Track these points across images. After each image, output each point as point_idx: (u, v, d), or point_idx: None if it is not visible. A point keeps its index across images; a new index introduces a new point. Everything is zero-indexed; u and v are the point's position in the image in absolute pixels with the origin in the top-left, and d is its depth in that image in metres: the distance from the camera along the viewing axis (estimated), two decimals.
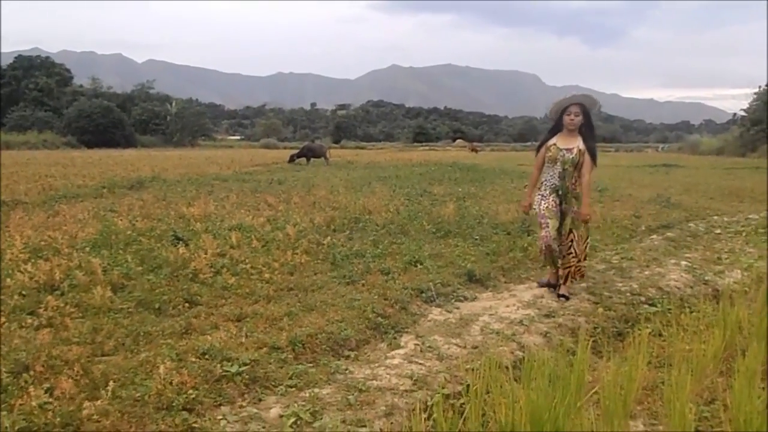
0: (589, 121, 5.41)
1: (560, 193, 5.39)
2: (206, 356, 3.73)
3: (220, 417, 3.09)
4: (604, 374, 3.29)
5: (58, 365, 3.56)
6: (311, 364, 3.82)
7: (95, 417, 2.96)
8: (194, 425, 3.00)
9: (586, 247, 5.59)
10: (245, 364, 3.61)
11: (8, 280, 5.26)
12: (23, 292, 5.01)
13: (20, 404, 3.03)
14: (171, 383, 3.28)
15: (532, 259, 6.73)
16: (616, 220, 9.81)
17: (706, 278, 6.35)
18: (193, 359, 3.68)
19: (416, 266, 6.34)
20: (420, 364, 3.89)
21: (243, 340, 4.10)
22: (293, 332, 4.19)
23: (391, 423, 3.09)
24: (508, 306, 5.24)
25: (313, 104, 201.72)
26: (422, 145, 77.60)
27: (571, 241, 5.44)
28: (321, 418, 3.08)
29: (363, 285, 5.62)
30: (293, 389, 3.45)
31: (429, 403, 3.19)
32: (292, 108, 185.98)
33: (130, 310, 4.74)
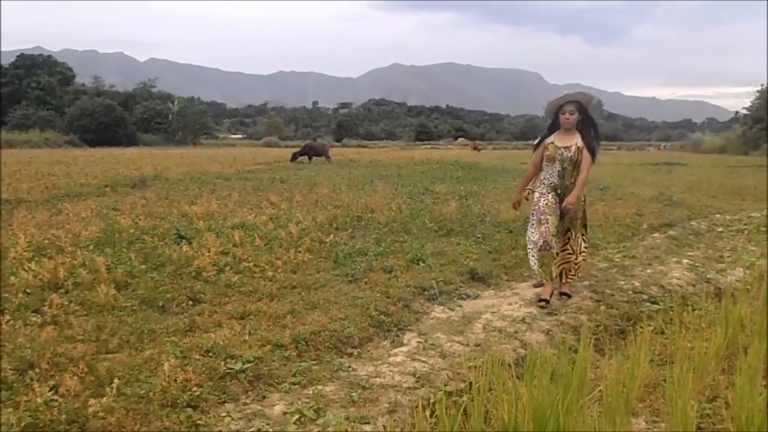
0: (587, 117, 5.37)
1: (559, 192, 5.33)
2: (210, 354, 3.75)
3: (225, 414, 3.11)
4: (606, 372, 3.30)
5: (63, 363, 3.58)
6: (314, 362, 3.83)
7: (100, 414, 2.98)
8: (198, 422, 3.02)
9: (582, 244, 5.56)
10: (249, 362, 3.63)
11: (12, 278, 5.28)
12: (27, 290, 5.03)
13: (26, 401, 3.05)
14: (175, 380, 3.30)
15: None
16: (618, 218, 9.81)
17: (709, 276, 6.36)
18: (197, 357, 3.70)
19: (419, 264, 6.35)
20: (423, 361, 3.90)
21: (246, 337, 4.12)
22: (296, 330, 4.21)
23: (394, 420, 3.11)
24: (510, 304, 5.26)
25: (314, 103, 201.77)
26: (424, 144, 77.59)
27: (568, 239, 5.45)
28: (324, 415, 3.10)
29: (366, 283, 5.63)
30: (297, 386, 3.47)
31: (432, 401, 3.20)
32: (293, 106, 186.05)
33: (134, 308, 4.76)
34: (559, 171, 5.33)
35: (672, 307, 5.03)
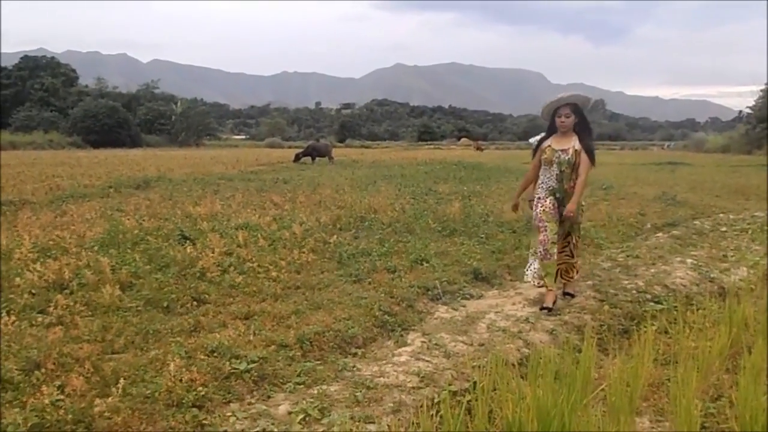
0: (583, 119, 5.23)
1: (558, 195, 5.23)
2: (215, 354, 3.77)
3: (230, 414, 3.13)
4: (610, 371, 3.31)
5: (69, 363, 3.61)
6: (319, 362, 3.85)
7: (106, 414, 3.00)
8: (204, 422, 3.03)
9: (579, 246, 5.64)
10: (254, 362, 3.65)
11: (17, 279, 5.31)
12: (33, 291, 5.07)
13: (32, 401, 3.07)
14: (181, 380, 3.31)
15: None
16: (621, 218, 9.81)
17: (712, 276, 6.36)
18: (202, 357, 3.72)
19: (422, 264, 6.36)
20: (427, 361, 3.92)
21: (251, 338, 4.13)
22: (301, 330, 4.23)
23: (399, 420, 3.11)
24: (514, 304, 5.27)
25: (317, 103, 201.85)
26: (427, 144, 77.58)
27: (568, 242, 5.42)
28: (329, 415, 3.11)
29: (369, 283, 5.65)
30: (301, 386, 3.48)
31: (436, 400, 3.21)
32: (296, 107, 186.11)
33: (138, 308, 4.78)
34: (557, 174, 5.22)
35: (676, 306, 5.03)
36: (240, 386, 3.42)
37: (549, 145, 5.26)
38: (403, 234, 8.02)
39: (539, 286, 5.29)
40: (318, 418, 3.09)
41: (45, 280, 5.32)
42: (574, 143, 5.15)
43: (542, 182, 5.34)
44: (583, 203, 5.32)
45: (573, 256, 5.46)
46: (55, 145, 46.56)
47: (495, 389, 3.08)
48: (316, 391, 3.40)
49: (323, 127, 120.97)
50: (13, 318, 4.30)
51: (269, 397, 3.37)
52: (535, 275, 5.30)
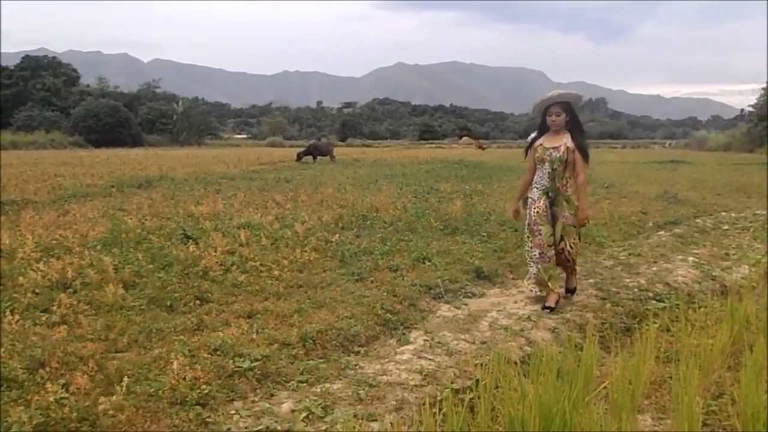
0: (574, 117, 5.15)
1: (550, 195, 5.16)
2: (218, 352, 3.78)
3: (233, 412, 3.14)
4: (612, 369, 3.32)
5: (73, 361, 3.62)
6: (322, 360, 3.86)
7: (111, 412, 3.01)
8: (207, 420, 3.05)
9: (577, 250, 5.34)
10: (257, 360, 3.67)
11: (21, 278, 5.32)
12: (36, 290, 5.08)
13: (37, 399, 3.09)
14: (184, 379, 3.33)
15: None
16: (623, 216, 9.81)
17: (714, 274, 6.37)
18: (206, 355, 3.74)
19: (424, 263, 6.38)
20: (429, 359, 3.93)
21: (254, 336, 4.15)
22: (303, 329, 4.24)
23: (402, 417, 3.13)
24: (516, 302, 5.28)
25: (318, 102, 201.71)
26: (428, 143, 77.52)
27: (562, 249, 5.18)
28: (332, 413, 3.13)
29: (372, 282, 5.66)
30: (304, 384, 3.50)
31: (438, 398, 3.22)
32: (297, 106, 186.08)
33: (142, 307, 4.80)
34: (549, 173, 5.14)
35: (678, 304, 5.04)
36: (243, 384, 3.44)
37: (541, 144, 5.21)
38: (405, 233, 8.03)
39: (540, 293, 5.23)
40: (321, 416, 3.10)
41: (48, 279, 5.34)
42: (566, 141, 5.08)
43: (536, 182, 5.27)
44: (576, 203, 5.11)
45: (569, 261, 5.25)
46: (57, 144, 46.59)
47: (497, 387, 3.09)
48: (319, 389, 3.42)
49: (324, 126, 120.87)
50: (17, 317, 4.32)
51: (272, 395, 3.38)
52: (531, 279, 5.26)
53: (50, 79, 62.70)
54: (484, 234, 7.98)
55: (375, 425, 3.05)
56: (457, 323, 4.69)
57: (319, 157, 26.67)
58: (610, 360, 3.81)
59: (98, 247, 6.69)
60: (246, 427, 2.99)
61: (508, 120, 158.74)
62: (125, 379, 3.30)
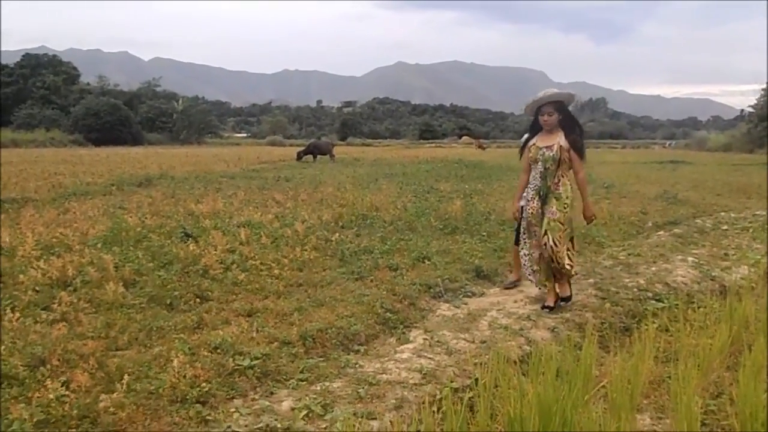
0: (568, 116, 5.08)
1: (542, 194, 5.08)
2: (218, 350, 3.80)
3: (233, 410, 3.15)
4: (611, 368, 3.32)
5: (74, 359, 3.64)
6: (322, 359, 3.87)
7: (111, 409, 3.02)
8: (208, 417, 3.06)
9: (567, 253, 5.07)
10: (257, 358, 3.68)
11: (21, 276, 5.34)
12: (36, 288, 5.10)
13: (38, 397, 3.10)
14: (184, 377, 3.34)
15: None
16: (623, 216, 9.83)
17: (713, 274, 6.38)
18: (206, 353, 3.75)
19: (424, 262, 6.39)
20: (429, 358, 3.94)
21: (254, 334, 4.16)
22: (303, 327, 4.26)
23: (401, 416, 3.13)
24: (515, 301, 5.29)
25: (318, 101, 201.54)
26: (428, 142, 77.49)
27: (545, 244, 5.04)
28: (332, 411, 3.14)
29: (371, 281, 5.67)
30: (304, 383, 3.51)
31: (438, 397, 3.23)
32: (298, 105, 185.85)
33: (142, 305, 4.82)
34: (541, 172, 5.07)
35: (677, 304, 5.05)
36: (243, 382, 3.45)
37: (534, 144, 5.16)
38: (405, 232, 8.04)
39: (543, 289, 5.24)
40: (321, 414, 3.11)
41: (49, 277, 5.36)
42: (558, 139, 5.02)
43: (530, 182, 5.22)
44: (567, 200, 5.00)
45: (553, 261, 5.02)
46: (57, 143, 46.57)
47: (497, 386, 3.10)
48: (318, 388, 3.43)
49: (325, 126, 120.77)
50: (17, 314, 4.34)
51: (272, 393, 3.39)
52: (531, 276, 5.26)
53: (50, 77, 62.67)
54: (484, 233, 7.99)
55: (375, 424, 3.06)
56: (456, 322, 4.70)
57: (319, 156, 26.67)
58: (609, 359, 3.82)
59: (98, 246, 6.70)
60: (246, 425, 3.00)
61: (509, 120, 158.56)
62: (126, 376, 3.31)
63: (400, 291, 5.25)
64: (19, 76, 62.35)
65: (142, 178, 15.53)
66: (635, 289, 5.65)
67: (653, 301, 5.34)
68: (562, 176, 5.04)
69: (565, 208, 5.02)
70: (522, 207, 5.31)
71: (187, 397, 3.19)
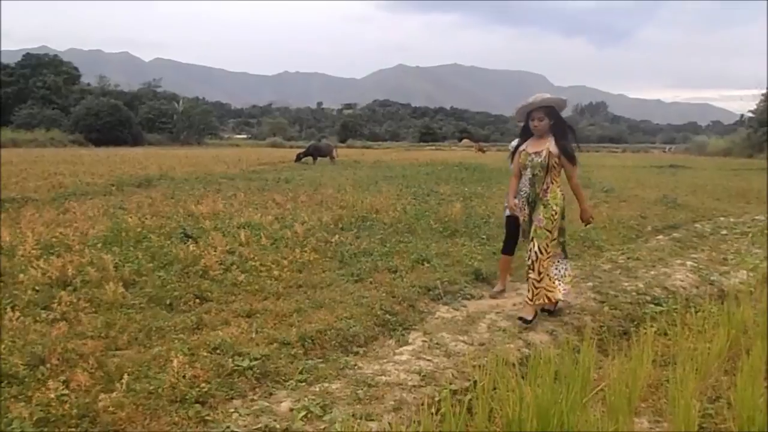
0: (559, 121, 4.93)
1: (530, 200, 4.96)
2: (218, 351, 3.81)
3: (232, 410, 3.16)
4: (609, 372, 3.34)
5: (74, 358, 3.65)
6: (321, 360, 3.88)
7: (111, 409, 3.03)
8: (207, 418, 3.07)
9: (548, 263, 4.89)
10: (256, 359, 3.69)
11: (21, 275, 5.34)
12: (36, 288, 5.10)
13: (38, 396, 3.11)
14: (184, 377, 3.35)
15: None
16: (622, 220, 9.84)
17: (712, 278, 6.39)
18: (205, 354, 3.76)
19: (423, 265, 6.40)
20: (428, 360, 3.95)
21: (253, 335, 4.17)
22: (303, 328, 4.27)
23: (400, 417, 3.15)
24: (514, 304, 5.29)
25: (319, 103, 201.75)
26: (428, 145, 77.52)
27: (529, 250, 4.91)
28: (331, 412, 3.15)
29: (371, 283, 5.68)
30: (303, 384, 3.52)
31: (437, 399, 3.24)
32: (298, 107, 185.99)
33: (142, 305, 4.82)
34: (530, 178, 4.93)
35: (675, 308, 5.07)
36: (242, 383, 3.46)
37: (524, 150, 5.00)
38: (405, 234, 8.05)
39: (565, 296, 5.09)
40: (320, 415, 3.12)
41: (48, 276, 5.36)
42: (548, 145, 4.87)
43: (519, 189, 5.07)
44: (555, 208, 4.83)
45: (534, 270, 4.82)
46: (57, 142, 46.58)
47: (495, 388, 3.11)
48: (317, 389, 3.44)
49: (325, 127, 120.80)
50: (17, 314, 4.34)
51: (271, 394, 3.40)
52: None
53: (51, 77, 62.73)
54: (484, 236, 8.00)
55: (373, 425, 3.06)
56: (455, 325, 4.71)
57: (319, 158, 26.68)
58: (607, 363, 3.82)
59: (98, 246, 6.70)
60: (245, 426, 3.01)
61: (509, 123, 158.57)
62: (125, 376, 3.32)
63: (400, 293, 5.26)
64: (20, 75, 62.42)
65: (142, 179, 15.54)
66: (634, 293, 5.66)
67: (652, 305, 5.36)
68: (552, 183, 4.88)
69: (553, 216, 4.84)
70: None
71: (187, 397, 3.20)
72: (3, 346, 3.73)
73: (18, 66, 63.97)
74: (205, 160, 26.57)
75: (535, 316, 4.78)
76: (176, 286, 5.28)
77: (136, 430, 2.94)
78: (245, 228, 7.85)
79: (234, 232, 7.63)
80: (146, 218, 8.64)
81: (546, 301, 4.91)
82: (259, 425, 3.01)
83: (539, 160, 4.87)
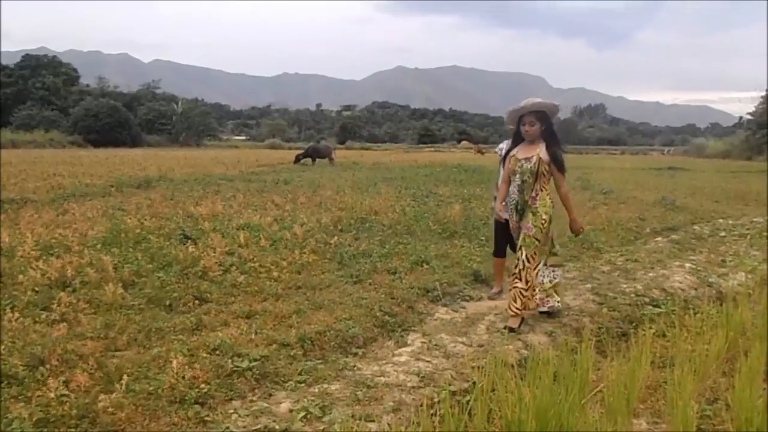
0: (550, 128, 4.82)
1: (519, 207, 4.85)
2: (217, 352, 3.82)
3: (232, 411, 3.17)
4: (608, 373, 3.34)
5: (73, 359, 3.65)
6: (320, 361, 3.89)
7: (110, 409, 3.04)
8: (206, 418, 3.08)
9: (535, 273, 4.79)
10: (255, 360, 3.70)
11: (21, 276, 5.35)
12: (36, 289, 5.11)
13: (38, 396, 3.11)
14: (183, 377, 3.36)
15: None
16: (621, 222, 9.85)
17: (711, 280, 6.40)
18: (205, 355, 3.77)
19: (422, 266, 6.40)
20: (427, 361, 3.96)
21: (253, 336, 4.18)
22: (302, 329, 4.27)
23: (399, 418, 3.15)
24: None
25: (318, 105, 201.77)
26: (427, 147, 77.52)
27: (517, 259, 4.81)
28: (330, 413, 3.15)
29: (370, 284, 5.69)
30: (302, 385, 3.53)
31: (436, 400, 3.24)
32: (297, 108, 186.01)
33: (141, 306, 4.83)
34: (518, 185, 4.83)
35: (674, 310, 5.08)
36: (242, 384, 3.46)
37: (514, 155, 4.90)
38: (404, 236, 8.07)
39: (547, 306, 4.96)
40: (319, 416, 3.13)
41: (48, 277, 5.36)
42: (539, 151, 4.76)
43: (508, 195, 4.99)
44: (545, 216, 4.73)
45: (521, 280, 4.72)
46: (56, 144, 46.57)
47: (494, 389, 3.11)
48: (317, 390, 3.44)
49: (324, 129, 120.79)
50: (17, 314, 4.34)
51: (271, 395, 3.41)
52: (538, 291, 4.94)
53: (50, 78, 62.70)
54: (482, 238, 8.01)
55: (372, 426, 3.07)
56: (454, 326, 4.72)
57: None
58: (606, 364, 3.83)
59: (98, 247, 6.71)
60: (244, 427, 3.02)
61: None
62: (125, 377, 3.33)
63: (399, 294, 5.26)
64: (19, 76, 62.37)
65: (141, 180, 15.54)
66: (632, 295, 5.67)
67: (650, 307, 5.36)
68: (541, 190, 4.78)
69: (542, 224, 4.74)
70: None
71: (186, 397, 3.20)
72: (3, 346, 3.73)
73: (17, 67, 63.93)
74: (204, 162, 26.58)
75: (521, 323, 4.73)
76: (175, 287, 5.29)
77: (135, 431, 2.94)
78: (244, 229, 7.86)
79: (233, 233, 7.63)
80: (145, 219, 8.64)
81: (526, 308, 4.78)
82: (259, 426, 3.02)
83: (529, 166, 4.76)
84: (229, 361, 3.67)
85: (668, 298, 5.64)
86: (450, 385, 3.56)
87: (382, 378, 3.66)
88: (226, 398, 3.31)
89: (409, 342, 4.34)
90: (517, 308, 4.70)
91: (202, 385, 3.32)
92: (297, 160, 26.15)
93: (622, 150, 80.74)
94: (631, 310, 5.27)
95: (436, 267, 6.36)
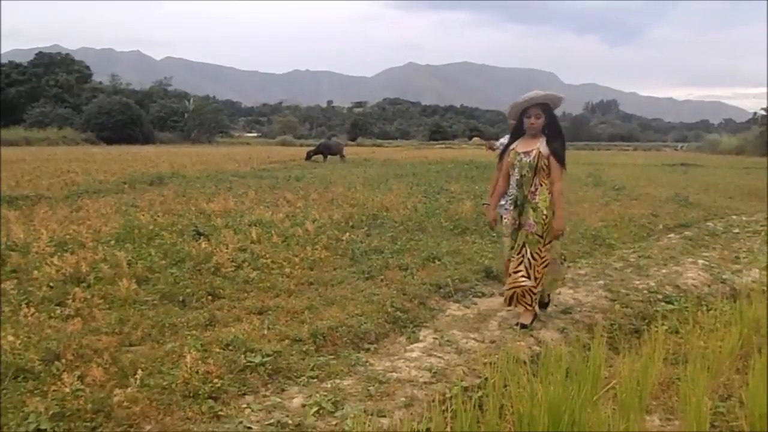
0: (553, 121, 4.70)
1: (518, 203, 4.73)
2: (230, 347, 3.84)
3: (245, 405, 3.20)
4: (620, 370, 3.33)
5: (88, 354, 3.69)
6: (332, 356, 3.90)
7: (125, 404, 3.07)
8: (220, 413, 3.10)
9: (545, 266, 4.70)
10: (268, 356, 3.72)
11: (36, 272, 5.42)
12: (51, 284, 5.16)
13: (53, 390, 3.15)
14: (197, 372, 3.38)
15: None
16: (633, 218, 9.81)
17: (724, 277, 6.36)
18: (218, 350, 3.80)
19: (434, 262, 6.41)
20: (439, 357, 3.96)
21: (265, 332, 4.20)
22: (314, 325, 4.29)
23: (411, 414, 3.16)
24: None
25: (329, 102, 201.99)
26: (439, 143, 77.36)
27: (522, 256, 4.68)
28: (342, 408, 3.17)
29: (382, 280, 5.70)
30: (315, 380, 3.54)
31: (448, 395, 3.25)
32: (308, 105, 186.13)
33: (155, 302, 4.87)
34: (517, 180, 4.71)
35: (687, 306, 5.05)
36: (255, 379, 3.49)
37: (514, 149, 4.77)
38: (415, 232, 8.07)
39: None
40: (331, 411, 3.15)
41: (63, 273, 5.42)
42: (539, 145, 4.63)
43: (508, 190, 4.86)
44: (545, 211, 4.61)
45: (529, 278, 4.64)
46: (69, 141, 46.86)
47: (506, 386, 3.11)
48: (329, 385, 3.46)
49: (335, 126, 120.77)
50: (32, 310, 4.39)
51: (283, 390, 3.43)
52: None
53: (63, 76, 63.09)
54: (494, 234, 7.97)
55: (384, 421, 3.08)
56: (466, 322, 4.72)
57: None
58: (618, 361, 3.82)
59: (111, 243, 6.77)
60: (257, 421, 3.04)
61: None
62: (139, 371, 3.36)
63: (410, 291, 5.27)
64: (32, 74, 62.80)
65: (153, 177, 15.62)
66: (645, 291, 5.65)
67: (663, 303, 5.34)
68: (540, 185, 4.64)
69: (543, 219, 4.62)
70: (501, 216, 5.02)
71: (200, 392, 3.23)
72: (19, 341, 3.77)
73: (30, 65, 64.39)
74: (216, 159, 26.67)
75: (534, 319, 4.72)
76: (188, 283, 5.33)
77: (149, 425, 2.97)
78: (256, 226, 7.89)
79: (245, 229, 7.67)
80: (158, 216, 8.71)
81: (534, 304, 4.73)
82: (272, 421, 3.04)
83: (528, 161, 4.65)
84: (242, 356, 3.70)
85: (681, 294, 5.62)
86: (462, 380, 3.56)
87: (394, 373, 3.67)
88: (239, 393, 3.33)
89: (421, 338, 4.35)
90: (528, 304, 4.67)
91: (216, 380, 3.35)
92: (308, 156, 26.19)
93: (635, 146, 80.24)
94: (643, 306, 5.25)
95: (448, 263, 6.36)
